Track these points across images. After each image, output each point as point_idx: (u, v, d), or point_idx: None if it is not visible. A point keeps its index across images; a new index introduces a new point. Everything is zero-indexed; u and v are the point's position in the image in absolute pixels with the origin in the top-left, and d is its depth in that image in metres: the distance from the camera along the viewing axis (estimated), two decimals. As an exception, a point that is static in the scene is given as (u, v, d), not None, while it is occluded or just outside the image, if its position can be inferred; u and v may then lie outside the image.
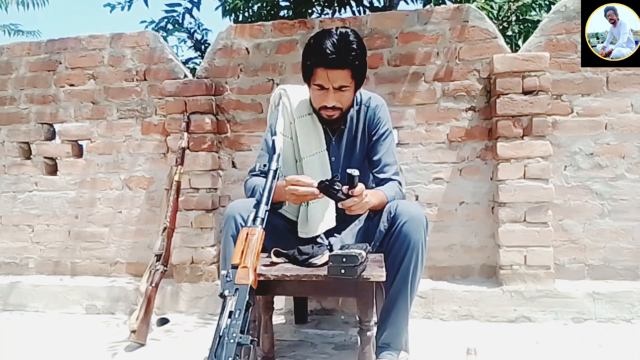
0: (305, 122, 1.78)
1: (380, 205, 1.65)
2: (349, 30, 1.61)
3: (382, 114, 1.80)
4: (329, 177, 1.70)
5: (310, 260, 1.52)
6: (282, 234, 1.74)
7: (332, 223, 1.74)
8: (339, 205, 1.52)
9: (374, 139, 1.79)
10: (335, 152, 1.79)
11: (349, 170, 1.48)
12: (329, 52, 1.55)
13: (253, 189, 1.72)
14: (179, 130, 2.44)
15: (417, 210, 1.60)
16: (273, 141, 1.75)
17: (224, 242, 1.62)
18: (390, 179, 1.74)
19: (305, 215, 1.75)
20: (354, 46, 1.58)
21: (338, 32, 1.59)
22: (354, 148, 1.80)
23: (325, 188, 1.49)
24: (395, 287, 1.58)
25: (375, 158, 1.78)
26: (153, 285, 2.13)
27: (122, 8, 5.03)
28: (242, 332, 1.14)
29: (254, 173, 1.76)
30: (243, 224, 1.55)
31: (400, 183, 1.76)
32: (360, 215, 1.77)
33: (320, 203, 1.72)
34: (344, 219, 1.76)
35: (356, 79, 1.64)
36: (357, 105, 1.79)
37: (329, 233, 1.76)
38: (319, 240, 1.74)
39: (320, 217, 1.72)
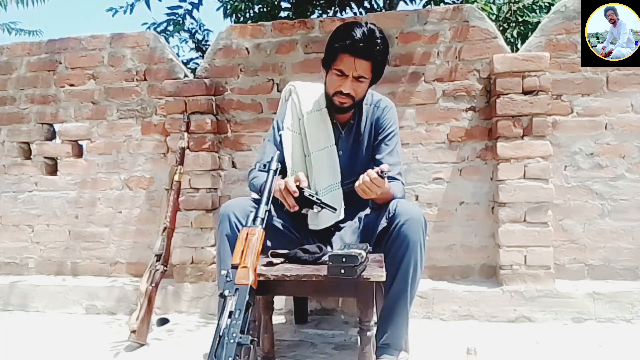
0: (314, 118, 1.80)
1: (385, 198, 1.65)
2: (376, 27, 1.65)
3: (390, 115, 1.83)
4: (338, 171, 1.75)
5: (323, 258, 1.52)
6: (283, 233, 1.75)
7: (341, 215, 1.75)
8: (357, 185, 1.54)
9: (380, 138, 1.81)
10: (343, 146, 1.81)
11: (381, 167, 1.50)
12: (357, 39, 1.58)
13: (256, 185, 1.74)
14: (179, 130, 2.44)
15: (415, 210, 1.60)
16: (280, 136, 1.80)
17: (220, 242, 1.64)
18: (394, 178, 1.75)
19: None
20: (379, 41, 1.62)
21: (367, 25, 1.63)
22: (360, 145, 1.82)
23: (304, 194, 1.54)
24: (395, 287, 1.58)
25: (379, 157, 1.80)
26: (153, 285, 2.13)
27: (125, 11, 5.05)
28: (242, 332, 1.14)
29: (260, 169, 1.77)
30: (237, 223, 1.58)
31: (403, 184, 1.78)
32: (360, 211, 1.79)
33: (330, 195, 1.74)
34: (348, 215, 1.78)
35: (374, 73, 1.67)
36: (368, 104, 1.82)
37: (330, 230, 1.76)
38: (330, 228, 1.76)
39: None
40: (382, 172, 1.47)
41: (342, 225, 1.79)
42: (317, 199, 1.56)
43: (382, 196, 1.63)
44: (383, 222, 1.62)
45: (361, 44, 1.58)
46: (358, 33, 1.59)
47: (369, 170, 1.51)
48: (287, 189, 1.51)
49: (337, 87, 1.67)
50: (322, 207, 1.57)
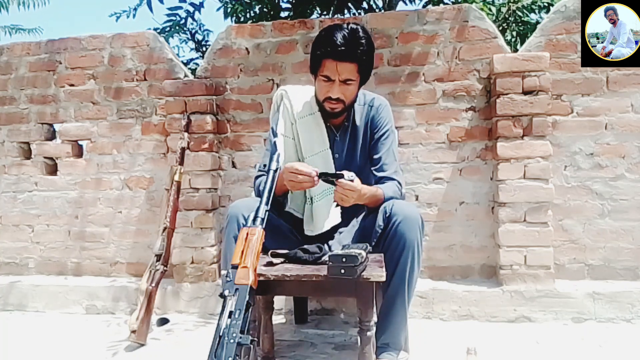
0: (307, 122, 1.79)
1: (375, 201, 1.65)
2: (359, 26, 1.64)
3: (384, 113, 1.83)
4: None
5: (323, 258, 1.52)
6: (284, 234, 1.75)
7: (337, 220, 1.74)
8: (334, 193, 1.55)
9: (376, 137, 1.80)
10: (339, 148, 1.81)
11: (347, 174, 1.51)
12: (338, 44, 1.58)
13: (258, 189, 1.73)
14: (179, 130, 2.44)
15: (411, 209, 1.60)
16: (275, 142, 1.78)
17: (226, 242, 1.63)
18: (390, 178, 1.75)
19: (310, 213, 1.76)
20: (363, 41, 1.61)
21: (349, 27, 1.62)
22: (356, 146, 1.81)
23: (324, 175, 1.54)
24: (393, 287, 1.58)
25: (375, 156, 1.79)
26: (153, 285, 2.13)
27: (128, 16, 5.07)
28: (242, 332, 1.14)
29: (259, 173, 1.79)
30: (245, 224, 1.56)
31: (399, 183, 1.76)
32: (358, 215, 1.78)
33: (325, 200, 1.73)
34: (343, 220, 1.77)
35: (362, 74, 1.67)
36: (361, 104, 1.81)
37: (328, 234, 1.76)
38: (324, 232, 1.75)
39: (325, 214, 1.73)
40: (348, 177, 1.49)
41: (340, 230, 1.78)
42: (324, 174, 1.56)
43: (370, 200, 1.64)
44: (380, 223, 1.61)
45: (342, 48, 1.58)
46: (339, 37, 1.58)
47: (339, 180, 1.51)
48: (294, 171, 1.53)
49: (326, 93, 1.67)
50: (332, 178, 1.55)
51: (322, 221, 1.73)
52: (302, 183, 1.54)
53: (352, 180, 1.50)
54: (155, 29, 5.19)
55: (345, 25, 1.62)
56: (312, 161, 1.76)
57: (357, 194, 1.53)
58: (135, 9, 5.04)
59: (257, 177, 1.83)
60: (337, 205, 1.69)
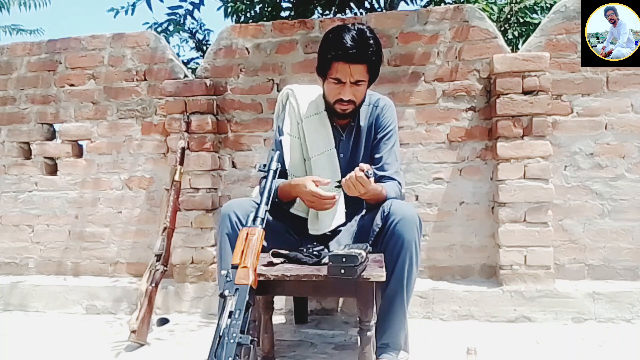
0: (313, 122, 1.79)
1: (377, 199, 1.66)
2: (365, 26, 1.64)
3: (389, 114, 1.84)
4: (338, 175, 1.74)
5: (323, 260, 1.52)
6: (280, 234, 1.75)
7: (342, 219, 1.74)
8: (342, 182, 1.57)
9: (379, 137, 1.81)
10: (344, 148, 1.81)
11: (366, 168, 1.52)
12: (349, 46, 1.58)
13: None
14: (179, 130, 2.44)
15: (409, 209, 1.60)
16: (280, 141, 1.79)
17: (220, 241, 1.64)
18: (391, 178, 1.75)
19: (315, 212, 1.76)
20: (371, 42, 1.62)
21: (355, 27, 1.62)
22: (360, 145, 1.82)
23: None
24: (391, 287, 1.58)
25: (377, 155, 1.80)
26: (153, 285, 2.13)
27: (126, 12, 5.07)
28: (242, 332, 1.14)
29: (260, 169, 1.79)
30: (238, 222, 1.58)
31: (400, 183, 1.77)
32: (357, 213, 1.78)
33: None
34: (345, 219, 1.77)
35: (371, 74, 1.68)
36: (366, 104, 1.82)
37: (327, 234, 1.76)
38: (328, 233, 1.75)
39: (330, 213, 1.73)
40: (367, 171, 1.48)
41: (339, 228, 1.78)
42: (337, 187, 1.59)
43: (373, 197, 1.64)
44: (378, 222, 1.62)
45: (354, 50, 1.58)
46: (348, 39, 1.58)
47: (357, 168, 1.51)
48: (321, 196, 1.57)
49: (337, 95, 1.67)
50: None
51: (327, 220, 1.73)
52: (325, 205, 1.60)
53: (368, 177, 1.49)
54: (154, 24, 5.19)
55: (351, 26, 1.62)
56: (318, 161, 1.77)
57: (366, 189, 1.53)
58: (133, 6, 5.04)
59: (262, 178, 1.83)
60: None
